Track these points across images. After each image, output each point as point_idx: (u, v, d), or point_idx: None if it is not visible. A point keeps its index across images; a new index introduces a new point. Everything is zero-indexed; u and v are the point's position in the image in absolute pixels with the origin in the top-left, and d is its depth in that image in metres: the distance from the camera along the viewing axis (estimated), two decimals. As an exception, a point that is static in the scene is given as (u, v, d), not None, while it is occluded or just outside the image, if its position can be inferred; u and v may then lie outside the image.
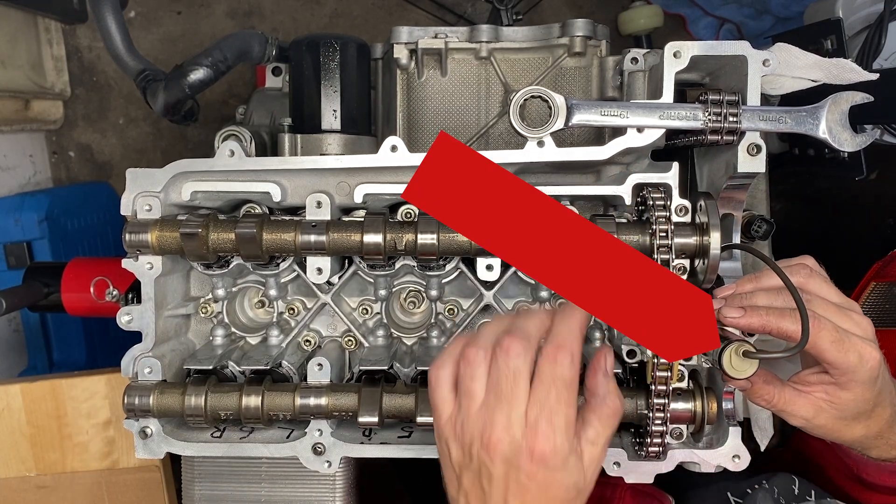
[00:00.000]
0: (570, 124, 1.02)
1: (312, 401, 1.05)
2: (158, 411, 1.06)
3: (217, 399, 1.05)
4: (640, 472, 1.05)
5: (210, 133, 1.18)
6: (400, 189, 1.07)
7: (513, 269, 1.14)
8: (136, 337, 1.08)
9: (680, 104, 1.01)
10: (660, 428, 1.00)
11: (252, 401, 1.05)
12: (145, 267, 1.06)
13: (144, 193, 1.05)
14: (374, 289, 1.20)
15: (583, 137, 1.30)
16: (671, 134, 1.06)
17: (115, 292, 1.15)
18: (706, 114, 0.99)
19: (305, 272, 1.09)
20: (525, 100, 1.02)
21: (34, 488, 1.61)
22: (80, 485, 1.62)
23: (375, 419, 1.03)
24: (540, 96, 1.01)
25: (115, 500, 1.63)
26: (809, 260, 0.98)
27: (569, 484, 0.78)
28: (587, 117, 1.02)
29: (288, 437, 1.11)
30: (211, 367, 1.10)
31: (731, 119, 0.98)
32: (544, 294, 1.18)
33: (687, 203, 1.01)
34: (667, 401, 0.98)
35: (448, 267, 1.13)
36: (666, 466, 1.05)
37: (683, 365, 1.01)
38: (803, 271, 0.94)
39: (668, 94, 1.02)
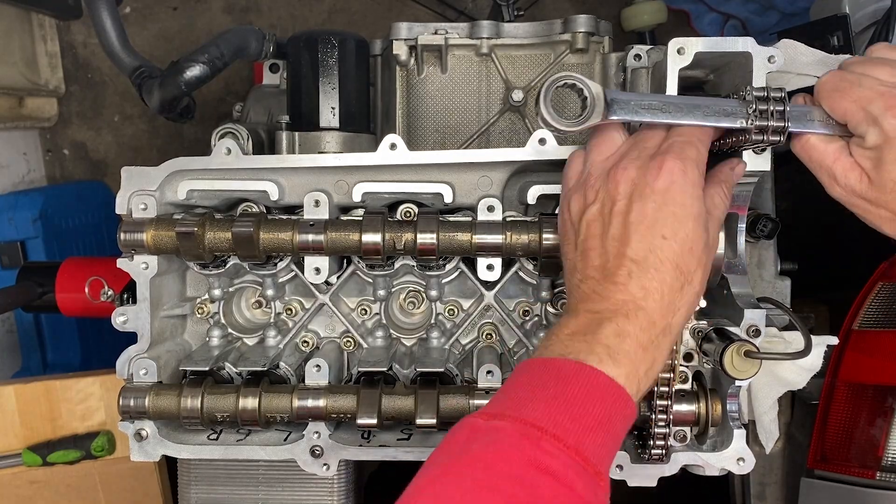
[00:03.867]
0: (609, 119, 0.89)
1: (310, 402, 1.04)
2: (154, 413, 1.04)
3: (213, 401, 1.04)
4: (644, 476, 1.04)
5: (207, 131, 1.16)
6: (399, 187, 1.05)
7: (514, 268, 1.13)
8: (131, 338, 1.07)
9: (724, 99, 0.91)
10: (662, 430, 0.98)
11: (249, 402, 1.03)
12: (141, 267, 1.04)
13: (140, 192, 1.03)
14: (373, 289, 1.18)
15: (585, 135, 1.28)
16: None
17: (110, 292, 1.13)
18: (751, 111, 0.89)
19: (303, 272, 1.07)
20: (555, 88, 0.89)
21: (27, 483, 1.59)
22: (73, 477, 1.60)
23: (374, 421, 1.02)
24: (573, 84, 0.88)
25: (108, 491, 1.61)
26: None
27: (693, 222, 0.81)
28: (626, 116, 0.89)
29: (285, 439, 1.09)
30: (207, 369, 1.08)
31: (775, 117, 0.88)
32: (545, 295, 1.16)
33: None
34: (669, 402, 0.97)
35: (448, 267, 1.11)
36: (669, 469, 1.04)
37: (685, 366, 0.99)
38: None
39: (671, 92, 1.00)
